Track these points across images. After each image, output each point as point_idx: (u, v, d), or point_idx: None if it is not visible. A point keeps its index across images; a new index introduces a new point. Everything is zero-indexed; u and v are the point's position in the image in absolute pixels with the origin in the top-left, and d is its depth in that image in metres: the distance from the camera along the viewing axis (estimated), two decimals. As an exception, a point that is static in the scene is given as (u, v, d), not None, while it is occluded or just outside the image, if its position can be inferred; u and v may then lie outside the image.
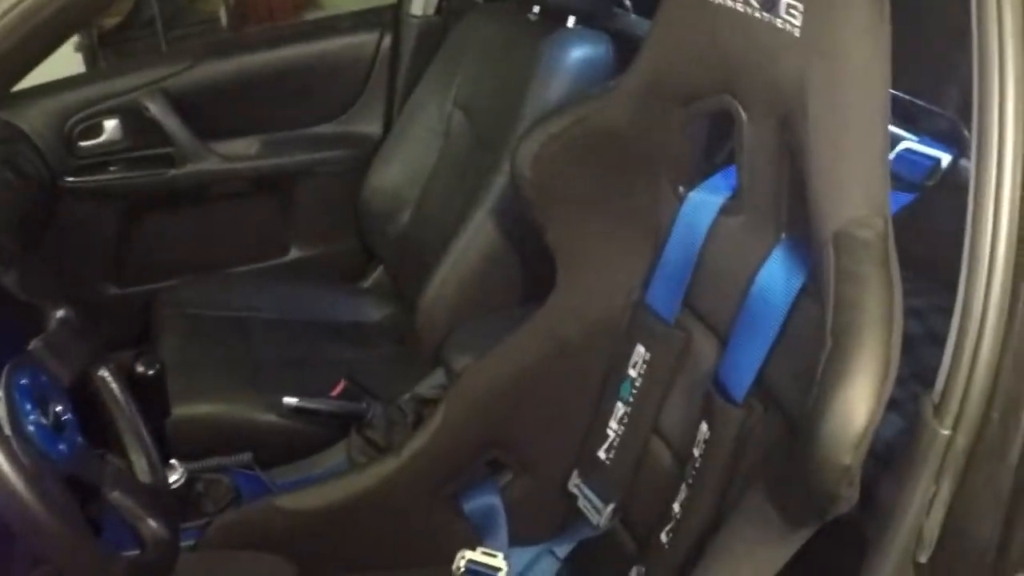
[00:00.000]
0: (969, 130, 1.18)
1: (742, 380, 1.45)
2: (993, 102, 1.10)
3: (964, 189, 1.17)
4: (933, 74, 1.93)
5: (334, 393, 2.17)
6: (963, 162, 1.55)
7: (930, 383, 1.19)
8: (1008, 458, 1.13)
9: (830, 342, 1.12)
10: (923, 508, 1.18)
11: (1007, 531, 1.18)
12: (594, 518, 1.78)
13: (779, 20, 1.25)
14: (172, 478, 1.82)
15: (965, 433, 1.14)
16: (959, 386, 1.13)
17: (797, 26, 1.23)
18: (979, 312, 1.11)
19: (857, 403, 1.08)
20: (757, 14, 1.29)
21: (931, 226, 1.41)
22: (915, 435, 1.18)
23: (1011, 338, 1.11)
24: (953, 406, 1.14)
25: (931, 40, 1.77)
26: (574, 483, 1.83)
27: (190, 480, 1.88)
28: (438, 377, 2.18)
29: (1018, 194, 1.09)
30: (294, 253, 2.96)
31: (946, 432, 1.15)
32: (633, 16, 2.54)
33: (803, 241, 1.34)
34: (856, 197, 1.17)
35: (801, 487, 1.17)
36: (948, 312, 1.17)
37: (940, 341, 1.18)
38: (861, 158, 1.18)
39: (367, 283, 2.96)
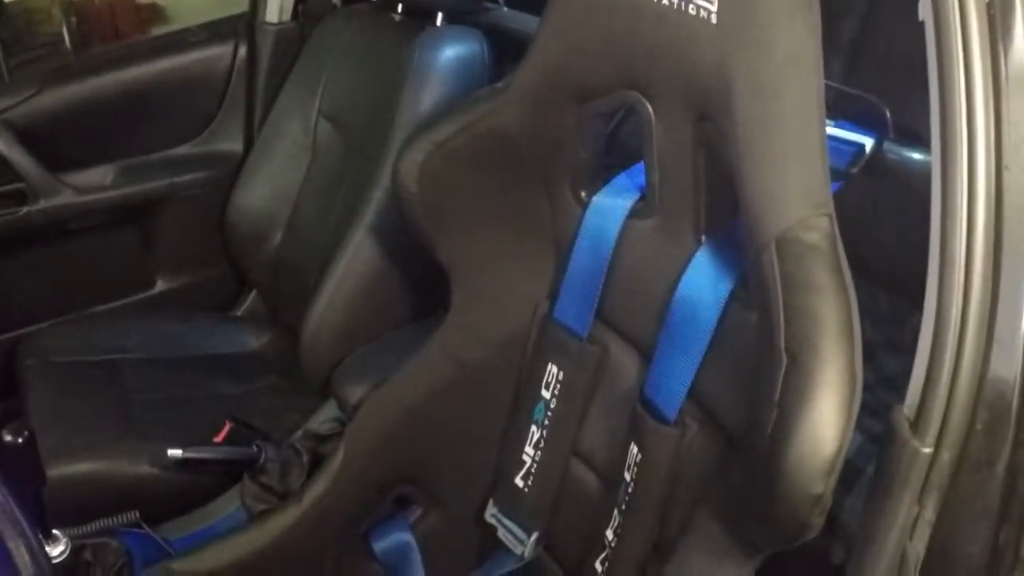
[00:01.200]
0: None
1: (672, 397, 1.35)
2: (957, 86, 1.01)
3: (890, 174, 1.09)
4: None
5: (219, 438, 2.04)
6: (887, 145, 1.48)
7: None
8: (996, 469, 1.06)
9: (786, 359, 1.03)
10: (906, 530, 1.11)
11: (997, 545, 1.10)
12: (517, 549, 1.68)
13: (691, 6, 1.15)
14: (55, 551, 1.68)
15: (950, 449, 1.06)
16: (939, 400, 1.05)
17: (713, 12, 1.13)
18: (957, 319, 1.03)
19: (825, 425, 0.99)
20: (665, 1, 1.18)
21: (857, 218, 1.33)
22: (891, 454, 1.10)
23: (992, 344, 1.02)
24: (934, 421, 1.06)
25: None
26: (491, 513, 1.73)
27: (76, 549, 1.74)
28: (331, 410, 2.07)
29: (993, 183, 1.00)
30: (161, 285, 2.82)
31: (927, 450, 1.06)
32: (505, 9, 2.45)
33: (728, 243, 1.26)
34: (797, 196, 1.08)
35: (762, 514, 1.08)
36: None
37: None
38: (799, 153, 1.09)
39: (240, 311, 2.85)
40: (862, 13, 2.12)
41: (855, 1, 2.20)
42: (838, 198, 1.15)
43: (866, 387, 1.09)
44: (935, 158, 1.05)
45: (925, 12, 1.04)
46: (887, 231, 1.46)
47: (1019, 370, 1.03)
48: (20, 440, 1.96)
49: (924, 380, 1.07)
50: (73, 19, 4.26)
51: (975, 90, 1.00)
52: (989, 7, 1.00)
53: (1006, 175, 1.01)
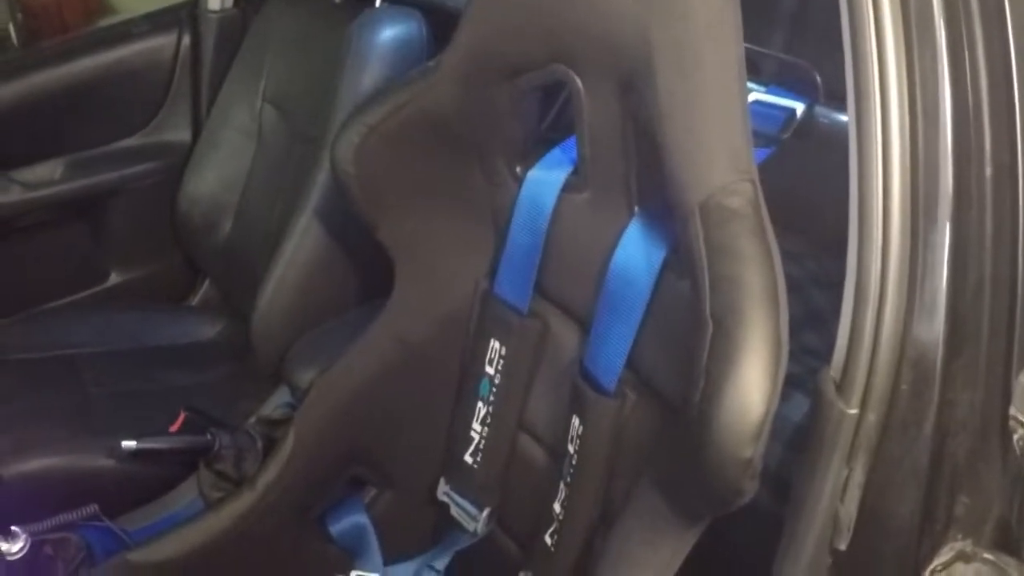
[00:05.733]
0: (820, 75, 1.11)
1: (611, 368, 1.36)
2: (868, 38, 1.01)
3: (824, 138, 1.10)
4: (755, 19, 1.87)
5: (174, 427, 2.04)
6: (818, 108, 1.49)
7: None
8: (923, 429, 1.06)
9: (711, 325, 1.04)
10: (837, 492, 1.12)
11: (928, 506, 1.11)
12: (470, 525, 1.69)
13: None
14: (15, 548, 1.68)
15: (875, 410, 1.07)
16: (863, 361, 1.06)
17: (633, -18, 1.13)
18: (877, 277, 1.04)
19: (752, 390, 1.00)
20: (588, -27, 1.19)
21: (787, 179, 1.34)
22: (819, 416, 1.11)
23: (914, 302, 1.03)
24: (858, 383, 1.07)
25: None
26: (443, 491, 1.73)
27: (35, 545, 1.74)
28: (283, 395, 2.07)
29: (907, 136, 1.01)
30: (114, 278, 2.80)
31: (853, 411, 1.07)
32: (444, -12, 2.44)
33: (660, 214, 1.26)
34: (720, 162, 1.09)
35: (697, 481, 1.09)
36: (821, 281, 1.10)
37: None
38: (720, 120, 1.10)
39: (195, 300, 2.84)
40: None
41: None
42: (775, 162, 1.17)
43: (813, 351, 1.10)
44: (850, 118, 1.05)
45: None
46: (828, 195, 1.48)
47: (941, 330, 1.04)
48: (-29, 438, 1.94)
49: (847, 343, 1.07)
50: (19, 15, 4.23)
51: (885, 38, 1.01)
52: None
53: (920, 128, 1.02)
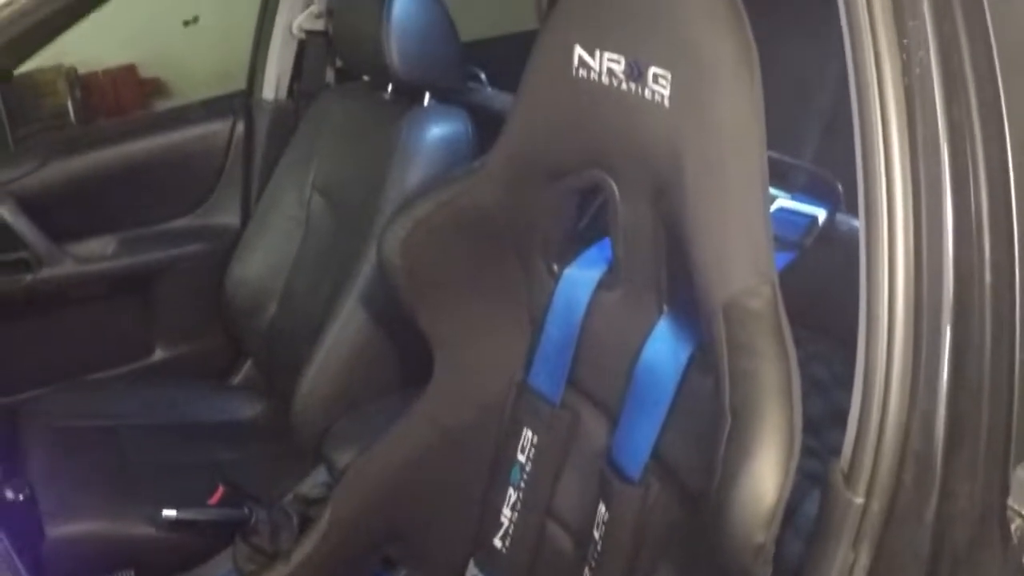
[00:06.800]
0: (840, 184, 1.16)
1: (637, 458, 1.42)
2: (878, 156, 1.08)
3: (843, 243, 1.15)
4: (790, 126, 1.93)
5: (213, 500, 2.09)
6: (839, 216, 1.55)
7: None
8: (925, 519, 1.11)
9: (729, 418, 1.10)
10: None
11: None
12: (496, 608, 1.72)
13: (647, 91, 1.23)
14: (56, 608, 1.74)
15: (879, 499, 1.12)
16: (868, 453, 1.11)
17: (666, 96, 1.21)
18: (882, 375, 1.09)
19: (764, 479, 1.06)
20: (623, 86, 1.26)
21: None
22: (827, 505, 1.15)
23: (916, 399, 1.08)
24: (864, 473, 1.12)
25: (786, 91, 1.77)
26: (472, 573, 1.78)
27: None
28: (321, 475, 2.12)
29: (912, 246, 1.07)
30: (159, 354, 2.86)
31: (859, 500, 1.12)
32: (489, 90, 2.52)
33: (687, 313, 1.32)
34: (742, 266, 1.15)
35: (715, 567, 1.14)
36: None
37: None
38: (743, 226, 1.16)
39: (237, 379, 2.89)
40: (836, 87, 2.19)
41: (828, 73, 2.27)
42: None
43: (836, 450, 1.15)
44: (860, 227, 1.11)
45: (850, 81, 1.11)
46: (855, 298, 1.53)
47: (942, 426, 1.09)
48: (21, 497, 1.99)
49: (855, 436, 1.13)
50: (78, 92, 4.30)
51: (893, 156, 1.08)
52: (905, 79, 1.08)
53: (924, 238, 1.08)
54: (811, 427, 1.17)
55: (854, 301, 1.14)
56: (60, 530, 2.06)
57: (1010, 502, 1.12)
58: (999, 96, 1.06)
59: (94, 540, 2.09)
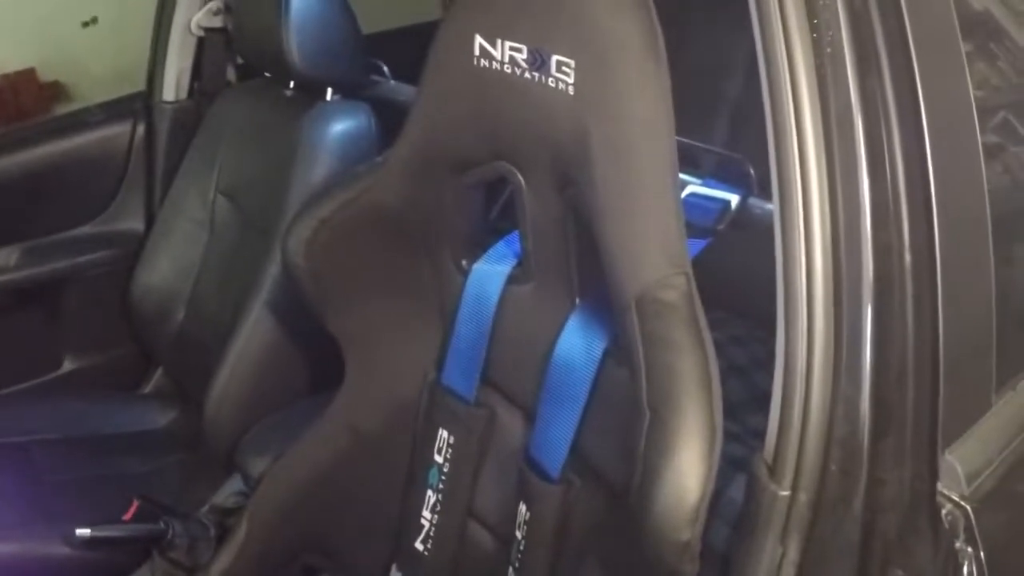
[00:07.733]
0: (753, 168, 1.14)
1: (555, 455, 1.39)
2: (790, 137, 1.06)
3: (756, 227, 1.13)
4: (699, 111, 1.91)
5: (127, 516, 2.04)
6: (752, 199, 1.53)
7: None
8: (853, 508, 1.10)
9: (648, 414, 1.08)
10: (772, 571, 1.15)
11: (861, 579, 1.14)
12: (420, 612, 1.69)
13: (551, 79, 1.20)
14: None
15: (806, 490, 1.10)
16: (792, 444, 1.10)
17: (571, 84, 1.18)
18: (803, 362, 1.07)
19: (687, 476, 1.04)
20: (527, 75, 1.23)
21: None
22: (753, 497, 1.14)
23: (839, 384, 1.07)
24: (789, 465, 1.10)
25: (695, 76, 1.75)
26: (394, 578, 1.74)
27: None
28: (235, 484, 2.08)
29: (828, 227, 1.05)
30: (67, 365, 2.79)
31: (785, 493, 1.11)
32: (392, 83, 2.48)
33: (600, 305, 1.30)
34: (654, 257, 1.13)
35: (640, 563, 1.11)
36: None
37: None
38: (655, 216, 1.14)
39: (148, 388, 2.84)
40: (746, 72, 2.18)
41: (737, 60, 2.26)
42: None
43: (758, 433, 1.13)
44: (775, 210, 1.10)
45: (760, 64, 1.09)
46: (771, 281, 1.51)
47: (867, 412, 1.08)
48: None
49: (778, 426, 1.11)
50: (-28, 99, 4.24)
51: (806, 136, 1.05)
52: (816, 59, 1.06)
53: (841, 218, 1.06)
54: (731, 412, 1.16)
55: (772, 284, 1.12)
56: (-29, 556, 2.00)
57: (940, 487, 1.11)
58: (914, 74, 1.05)
59: (7, 564, 2.04)
